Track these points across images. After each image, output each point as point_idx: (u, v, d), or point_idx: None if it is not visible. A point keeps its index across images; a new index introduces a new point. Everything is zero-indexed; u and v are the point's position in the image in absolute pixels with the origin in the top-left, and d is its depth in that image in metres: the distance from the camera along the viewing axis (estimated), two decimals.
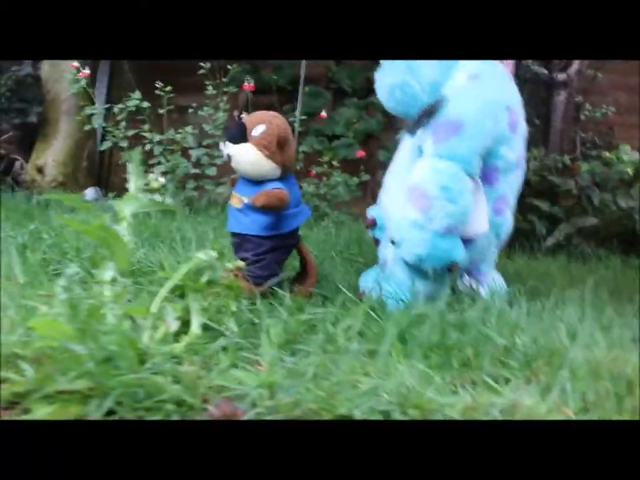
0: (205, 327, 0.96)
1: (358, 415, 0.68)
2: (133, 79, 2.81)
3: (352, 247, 2.04)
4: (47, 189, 3.32)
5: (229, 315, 1.01)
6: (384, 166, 1.52)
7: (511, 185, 1.32)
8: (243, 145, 1.34)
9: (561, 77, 3.12)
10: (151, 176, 1.24)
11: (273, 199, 1.31)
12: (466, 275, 1.35)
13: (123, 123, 2.80)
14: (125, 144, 2.78)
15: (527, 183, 3.00)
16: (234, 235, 1.39)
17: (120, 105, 2.79)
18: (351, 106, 4.00)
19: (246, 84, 2.96)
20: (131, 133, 2.80)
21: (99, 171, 3.86)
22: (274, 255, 1.37)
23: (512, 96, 1.32)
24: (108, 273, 0.94)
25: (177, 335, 0.92)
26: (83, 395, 0.69)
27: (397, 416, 0.70)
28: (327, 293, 1.33)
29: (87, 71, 2.74)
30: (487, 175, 1.26)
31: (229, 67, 2.97)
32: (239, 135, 1.35)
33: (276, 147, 1.33)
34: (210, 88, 2.87)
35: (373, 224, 1.46)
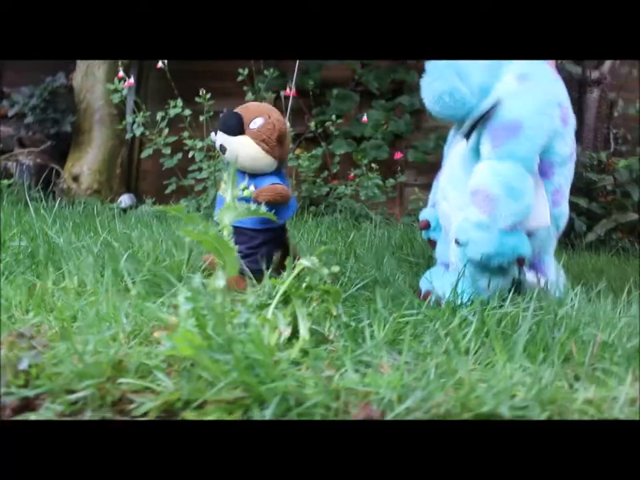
0: (311, 332, 0.98)
1: (505, 413, 0.69)
2: (173, 86, 2.82)
3: (404, 247, 2.06)
4: (83, 196, 3.36)
5: (331, 318, 1.03)
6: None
7: (565, 177, 1.35)
8: (240, 137, 1.34)
9: (594, 74, 3.13)
10: (242, 184, 1.27)
11: (278, 196, 1.33)
12: (530, 269, 1.37)
13: (166, 130, 2.83)
14: (168, 151, 2.81)
15: None
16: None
17: (161, 113, 2.82)
18: (379, 107, 4.02)
19: (287, 90, 2.98)
20: (171, 139, 2.82)
21: (128, 177, 3.90)
22: (266, 248, 1.38)
23: (561, 92, 1.34)
24: (220, 281, 0.96)
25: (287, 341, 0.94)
26: (234, 403, 0.71)
27: (536, 412, 0.72)
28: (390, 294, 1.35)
29: (131, 81, 2.76)
30: (543, 169, 1.30)
31: (265, 72, 2.99)
32: (236, 126, 1.34)
33: (275, 142, 1.35)
34: (250, 94, 2.89)
35: (427, 226, 1.50)
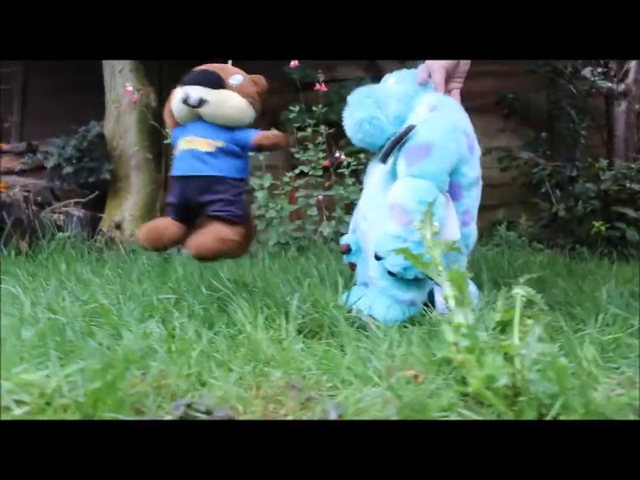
0: None
1: None
2: None
3: None
4: (127, 243, 3.34)
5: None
6: None
7: (473, 199, 1.49)
8: (224, 91, 1.40)
9: (620, 87, 3.26)
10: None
11: (282, 138, 1.43)
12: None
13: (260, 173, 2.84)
14: None
15: (605, 192, 3.13)
16: (194, 178, 1.40)
17: None
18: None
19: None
20: None
21: None
22: (244, 196, 1.45)
23: (466, 122, 1.49)
24: (459, 316, 0.98)
25: None
26: None
27: None
28: None
29: None
30: (452, 191, 1.43)
31: (314, 108, 3.04)
32: (218, 80, 1.40)
33: (257, 97, 1.44)
34: (307, 130, 2.93)
35: (347, 250, 1.61)
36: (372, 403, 0.81)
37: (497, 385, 0.80)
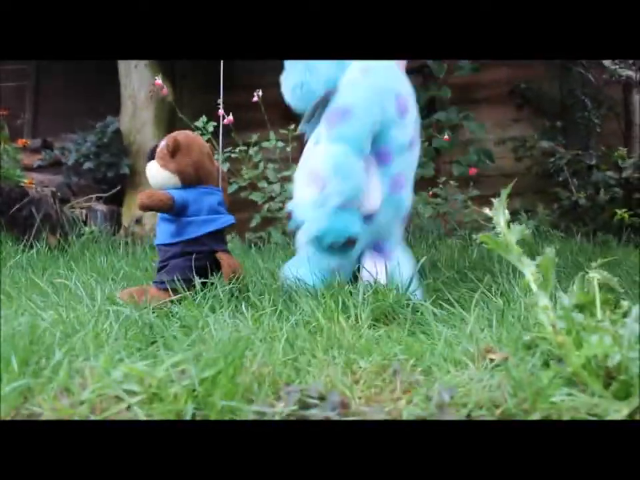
0: None
1: None
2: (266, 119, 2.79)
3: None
4: (148, 237, 3.33)
5: None
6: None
7: (405, 165, 1.43)
8: (151, 162, 1.47)
9: (639, 75, 3.27)
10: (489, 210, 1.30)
11: (155, 200, 1.38)
12: (371, 251, 1.43)
13: (261, 164, 2.82)
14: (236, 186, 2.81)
15: (627, 180, 3.14)
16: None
17: (254, 148, 2.82)
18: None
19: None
20: (252, 174, 2.83)
21: None
22: (180, 260, 1.41)
23: (401, 85, 1.43)
24: (544, 299, 0.99)
25: None
26: None
27: None
28: None
29: (231, 117, 2.70)
30: (380, 156, 1.38)
31: None
32: (150, 153, 1.48)
33: (169, 156, 1.43)
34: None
35: (290, 217, 1.56)
36: (483, 384, 0.81)
37: (607, 364, 0.80)
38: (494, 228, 2.71)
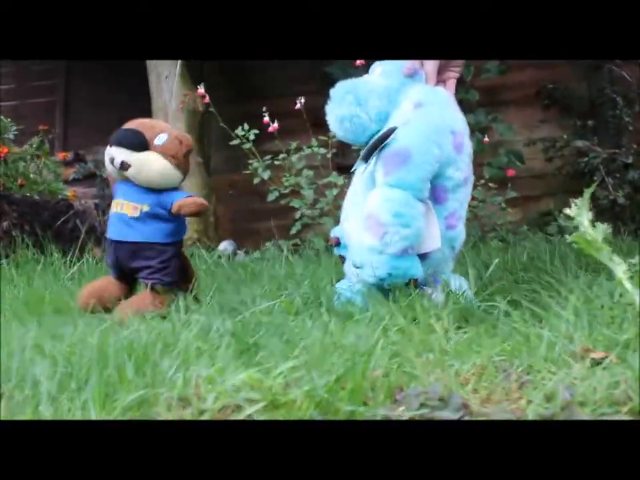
0: None
1: None
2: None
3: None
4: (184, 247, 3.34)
5: None
6: None
7: (460, 201, 1.40)
8: (148, 153, 1.37)
9: None
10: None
11: (202, 207, 1.40)
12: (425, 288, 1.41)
13: (305, 171, 2.82)
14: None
15: None
16: (123, 243, 1.40)
17: (296, 155, 2.82)
18: None
19: None
20: (294, 181, 2.83)
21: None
22: (177, 261, 1.42)
23: (455, 119, 1.40)
24: None
25: None
26: None
27: None
28: None
29: (275, 125, 2.69)
30: (436, 195, 1.34)
31: None
32: (140, 142, 1.36)
33: (183, 157, 1.41)
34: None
35: (337, 243, 1.54)
36: (607, 382, 0.80)
37: None
38: (529, 229, 2.70)
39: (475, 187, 3.40)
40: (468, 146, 1.41)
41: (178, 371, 0.85)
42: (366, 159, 1.34)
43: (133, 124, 1.42)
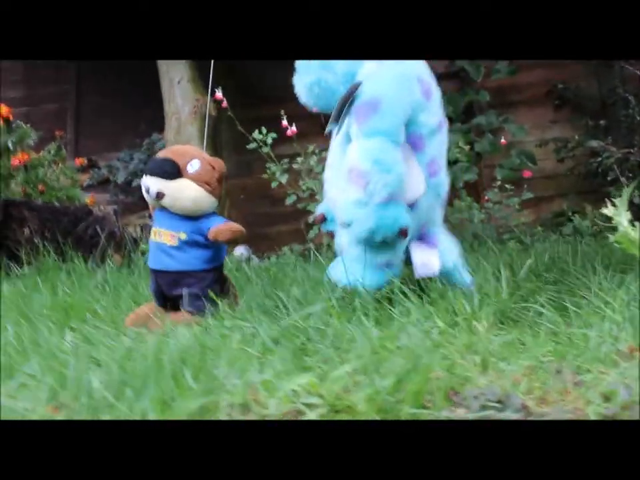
0: None
1: None
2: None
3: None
4: None
5: None
6: None
7: (438, 147, 1.41)
8: (180, 181, 1.36)
9: None
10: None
11: (237, 233, 1.39)
12: (417, 241, 1.42)
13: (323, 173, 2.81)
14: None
15: None
16: (165, 273, 1.40)
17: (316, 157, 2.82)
18: (457, 131, 4.09)
19: None
20: (312, 184, 2.83)
21: None
22: (217, 287, 1.42)
23: (420, 68, 1.41)
24: None
25: None
26: None
27: None
28: None
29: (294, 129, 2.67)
30: (413, 142, 1.35)
31: None
32: (173, 170, 1.36)
33: (217, 183, 1.40)
34: None
35: (322, 220, 1.54)
36: None
37: None
38: (543, 230, 2.69)
39: (478, 188, 3.43)
40: (437, 93, 1.42)
41: (233, 377, 0.85)
42: (337, 118, 1.34)
43: (165, 152, 1.43)
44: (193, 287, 1.38)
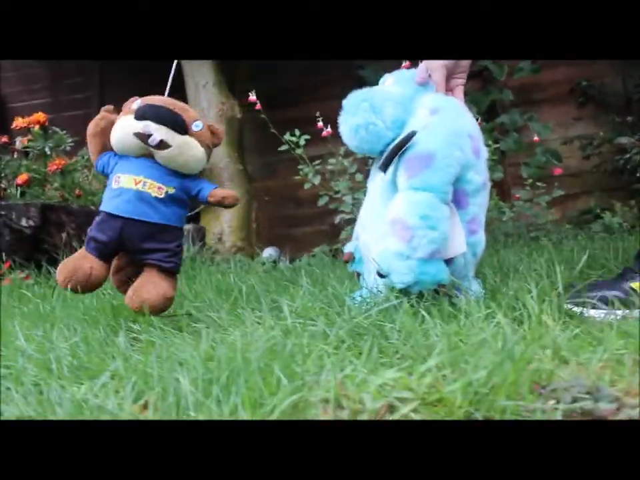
0: None
1: None
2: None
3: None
4: (228, 254, 3.37)
5: None
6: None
7: (480, 206, 1.38)
8: (187, 137, 1.34)
9: None
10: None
11: (238, 200, 1.43)
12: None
13: (356, 176, 2.82)
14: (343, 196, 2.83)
15: None
16: (141, 223, 1.34)
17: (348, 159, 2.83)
18: (482, 130, 4.09)
19: None
20: (345, 184, 2.83)
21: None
22: (182, 248, 1.44)
23: (471, 124, 1.38)
24: None
25: None
26: None
27: None
28: None
29: (329, 129, 2.69)
30: (457, 199, 1.33)
31: None
32: (183, 125, 1.34)
33: (211, 143, 1.42)
34: None
35: (350, 258, 1.52)
36: None
37: None
38: (571, 227, 2.67)
39: (504, 187, 3.41)
40: (484, 151, 1.40)
41: (319, 374, 0.86)
42: (385, 166, 1.32)
43: (164, 102, 1.38)
44: (169, 243, 1.36)
